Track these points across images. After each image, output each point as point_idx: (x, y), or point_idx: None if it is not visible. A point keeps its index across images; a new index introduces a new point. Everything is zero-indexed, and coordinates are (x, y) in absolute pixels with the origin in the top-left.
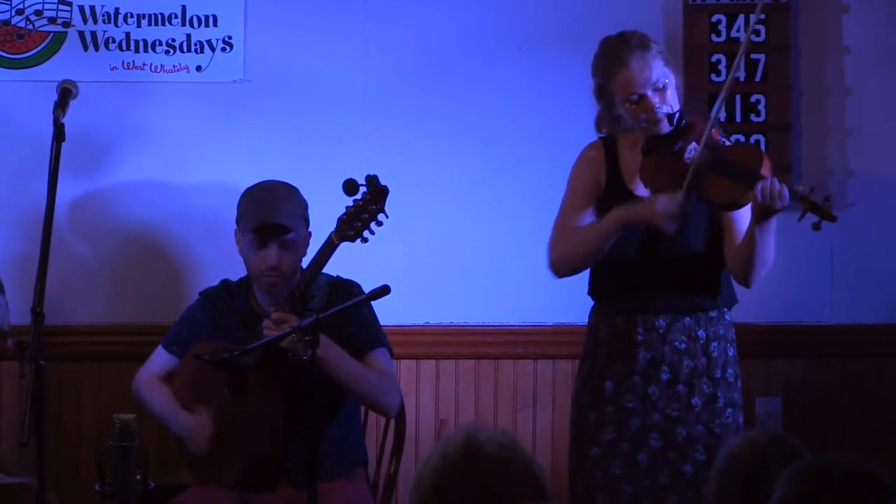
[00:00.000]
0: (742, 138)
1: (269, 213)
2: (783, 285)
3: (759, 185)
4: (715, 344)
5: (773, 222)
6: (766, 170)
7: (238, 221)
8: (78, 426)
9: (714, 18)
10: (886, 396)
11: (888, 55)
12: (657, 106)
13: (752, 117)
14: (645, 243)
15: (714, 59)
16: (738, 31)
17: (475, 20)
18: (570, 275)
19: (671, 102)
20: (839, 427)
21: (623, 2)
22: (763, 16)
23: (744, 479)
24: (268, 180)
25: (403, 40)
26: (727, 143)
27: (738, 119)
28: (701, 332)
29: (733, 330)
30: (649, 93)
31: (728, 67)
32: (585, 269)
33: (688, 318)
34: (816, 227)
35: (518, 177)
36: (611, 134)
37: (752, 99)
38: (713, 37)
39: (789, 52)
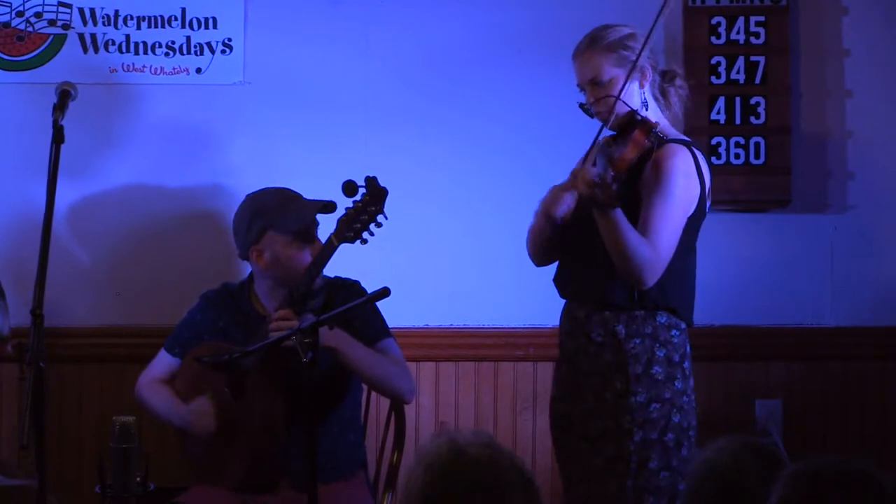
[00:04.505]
0: (742, 139)
1: (309, 210)
2: (783, 287)
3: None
4: (637, 341)
5: (611, 216)
6: (629, 155)
7: (270, 225)
8: (78, 428)
9: (714, 21)
10: (886, 398)
11: (888, 57)
12: (591, 100)
13: (752, 119)
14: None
15: (714, 61)
16: (737, 33)
17: (474, 23)
18: (540, 264)
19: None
20: (839, 429)
21: (622, 4)
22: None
23: (719, 488)
24: (271, 188)
25: (403, 43)
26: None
27: (737, 121)
28: (620, 328)
29: (672, 333)
30: (588, 87)
31: (728, 70)
32: (547, 256)
33: (607, 312)
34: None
35: (517, 179)
36: None
37: (752, 101)
38: (713, 39)
39: (789, 55)
